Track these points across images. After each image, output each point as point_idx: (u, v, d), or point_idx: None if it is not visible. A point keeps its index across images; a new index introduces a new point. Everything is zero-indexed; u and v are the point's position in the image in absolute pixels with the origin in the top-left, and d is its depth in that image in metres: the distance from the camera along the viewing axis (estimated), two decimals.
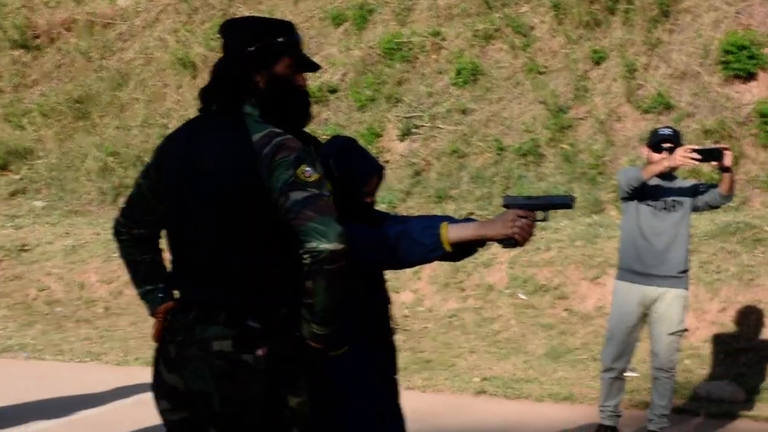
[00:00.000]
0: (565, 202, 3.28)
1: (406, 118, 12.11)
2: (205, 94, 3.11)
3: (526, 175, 11.11)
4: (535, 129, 11.49)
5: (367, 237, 3.13)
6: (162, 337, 3.07)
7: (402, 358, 8.37)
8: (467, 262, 9.37)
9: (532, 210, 3.22)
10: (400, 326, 8.88)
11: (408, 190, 11.41)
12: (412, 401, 7.27)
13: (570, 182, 10.86)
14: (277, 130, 2.94)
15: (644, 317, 6.19)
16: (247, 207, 2.92)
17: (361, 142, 12.46)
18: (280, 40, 3.06)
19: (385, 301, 3.39)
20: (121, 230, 3.25)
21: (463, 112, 11.95)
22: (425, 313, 9.23)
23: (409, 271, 9.56)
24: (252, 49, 3.04)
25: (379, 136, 12.03)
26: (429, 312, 9.22)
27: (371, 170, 3.32)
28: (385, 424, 3.36)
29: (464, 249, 3.24)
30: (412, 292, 9.47)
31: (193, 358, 2.95)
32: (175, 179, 3.05)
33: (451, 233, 3.14)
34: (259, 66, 3.03)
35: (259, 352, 2.91)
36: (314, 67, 3.15)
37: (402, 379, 7.66)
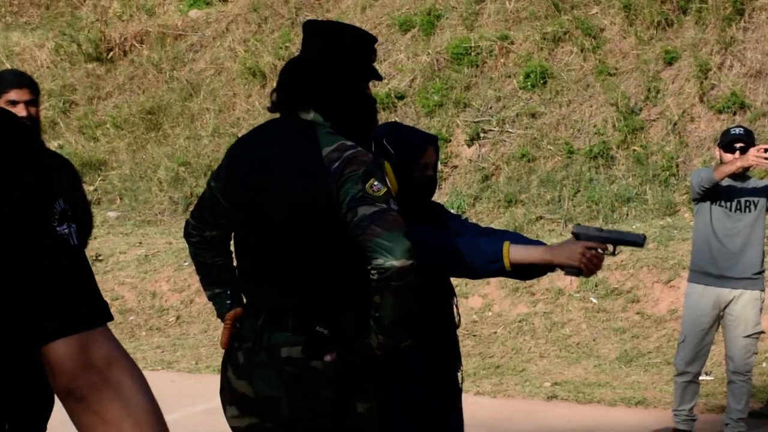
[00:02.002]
0: (637, 241, 3.31)
1: (474, 122, 12.07)
2: (278, 94, 3.12)
3: (597, 178, 10.99)
4: (606, 131, 11.37)
5: (425, 239, 3.12)
6: (230, 343, 3.08)
7: (471, 364, 8.39)
8: None
9: (603, 243, 3.23)
10: (469, 332, 8.85)
11: (477, 195, 11.36)
12: (482, 407, 7.27)
13: (642, 184, 10.73)
14: (348, 143, 2.94)
15: (719, 320, 6.09)
16: (314, 218, 2.93)
17: None
18: (366, 51, 3.09)
19: (449, 294, 3.38)
20: (192, 232, 3.26)
21: (533, 115, 11.87)
22: (494, 317, 9.18)
23: None
24: (338, 56, 3.05)
25: (447, 141, 12.01)
26: (498, 317, 9.17)
27: (425, 140, 3.35)
28: (445, 416, 3.35)
29: (529, 271, 3.24)
30: (481, 297, 9.42)
31: (262, 365, 2.96)
32: (245, 182, 3.07)
33: (514, 253, 3.13)
34: (341, 74, 3.04)
35: (328, 357, 2.92)
36: (379, 77, 3.20)
37: (471, 384, 7.68)
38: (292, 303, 2.95)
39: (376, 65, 3.24)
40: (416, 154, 3.27)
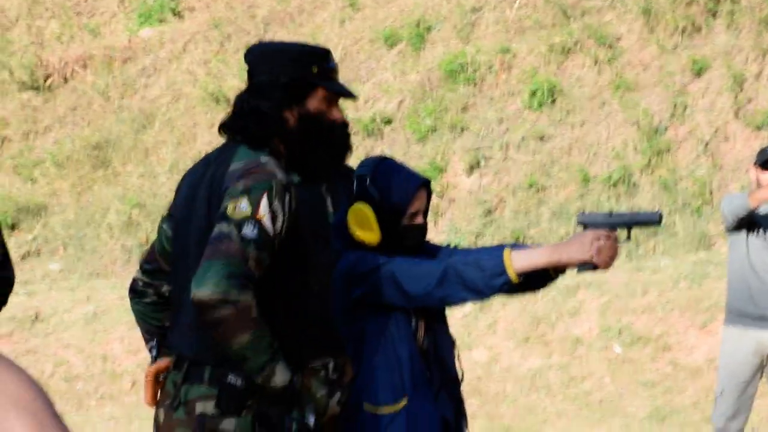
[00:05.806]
0: (652, 219, 3.41)
1: (473, 149, 12.13)
2: (226, 129, 3.11)
3: (618, 208, 11.05)
4: (627, 155, 11.44)
5: (411, 267, 3.16)
6: (157, 400, 3.11)
7: (477, 426, 8.38)
8: (550, 312, 9.34)
9: (613, 228, 3.27)
10: (474, 389, 8.86)
11: (479, 231, 11.40)
12: None
13: (670, 215, 10.78)
14: (264, 159, 2.94)
15: (761, 368, 6.12)
16: None
17: None
18: (314, 70, 3.08)
19: (450, 343, 3.41)
20: (146, 290, 3.29)
21: (541, 138, 11.94)
22: (503, 372, 9.20)
23: (482, 324, 9.54)
24: (284, 81, 3.05)
25: (443, 170, 12.07)
26: (507, 371, 9.19)
27: (415, 185, 3.35)
28: None
29: (537, 279, 3.26)
30: (487, 348, 9.45)
31: (179, 424, 2.99)
32: (177, 217, 3.15)
33: (517, 261, 3.13)
34: (290, 101, 3.05)
35: (244, 413, 2.93)
36: (350, 95, 3.18)
37: None
38: (209, 350, 2.95)
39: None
40: (405, 200, 3.29)
